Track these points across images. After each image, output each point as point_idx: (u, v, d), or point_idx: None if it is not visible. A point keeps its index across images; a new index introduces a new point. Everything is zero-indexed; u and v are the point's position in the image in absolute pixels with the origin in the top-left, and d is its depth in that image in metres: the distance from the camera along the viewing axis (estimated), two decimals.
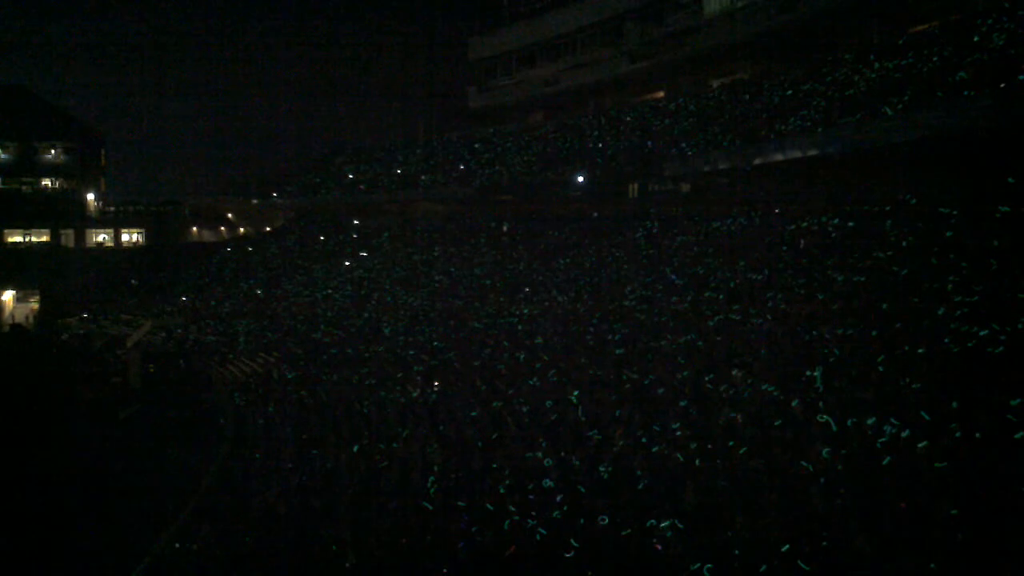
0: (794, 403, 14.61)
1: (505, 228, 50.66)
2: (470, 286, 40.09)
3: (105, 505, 23.07)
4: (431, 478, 16.74)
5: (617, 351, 22.67)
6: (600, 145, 48.70)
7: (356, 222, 65.13)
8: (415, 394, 25.16)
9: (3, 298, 67.13)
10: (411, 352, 31.35)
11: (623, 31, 54.71)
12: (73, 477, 24.54)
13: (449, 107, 77.79)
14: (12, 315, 66.39)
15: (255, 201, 77.87)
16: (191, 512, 21.15)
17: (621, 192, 46.08)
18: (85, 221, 78.01)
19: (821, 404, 14.04)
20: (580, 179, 45.19)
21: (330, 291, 49.59)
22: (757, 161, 34.19)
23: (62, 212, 76.80)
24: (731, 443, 13.93)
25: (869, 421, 12.72)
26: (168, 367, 38.12)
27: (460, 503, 14.53)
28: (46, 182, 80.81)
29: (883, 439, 11.96)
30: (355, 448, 21.37)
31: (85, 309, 63.91)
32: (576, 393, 19.85)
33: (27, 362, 45.42)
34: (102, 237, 79.14)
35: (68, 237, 76.31)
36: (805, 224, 29.29)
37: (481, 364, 26.46)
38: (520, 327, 29.84)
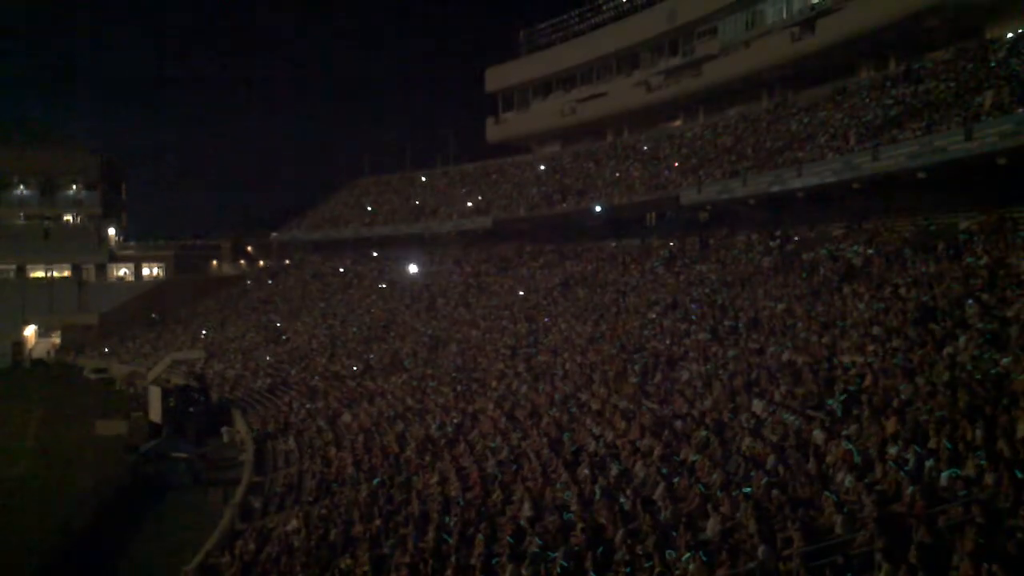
0: (816, 432, 14.49)
1: (523, 258, 50.70)
2: (489, 316, 40.08)
3: (126, 540, 23.14)
4: (451, 511, 16.69)
5: (636, 381, 22.59)
6: (617, 175, 48.77)
7: (375, 253, 65.37)
8: (435, 426, 25.14)
9: (26, 333, 67.70)
10: (431, 384, 31.37)
11: (639, 61, 55.01)
12: (96, 510, 24.63)
13: (467, 138, 78.43)
14: (34, 350, 66.98)
15: (274, 234, 78.44)
16: (213, 545, 21.16)
17: (639, 221, 46.10)
18: (107, 256, 78.71)
19: (843, 433, 13.92)
20: (598, 209, 45.20)
21: (349, 322, 49.73)
22: (775, 189, 34.12)
23: (84, 247, 77.58)
24: (752, 473, 13.82)
25: (892, 450, 12.59)
26: (188, 401, 38.25)
27: (480, 535, 14.46)
28: (68, 217, 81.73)
29: (906, 468, 11.84)
30: (375, 481, 21.35)
31: (106, 343, 64.42)
32: (595, 424, 19.80)
33: (49, 397, 45.86)
34: (123, 271, 79.80)
35: (90, 272, 77.00)
36: (824, 252, 29.16)
37: (500, 395, 26.42)
38: (540, 358, 29.80)
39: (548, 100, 63.18)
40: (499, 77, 67.10)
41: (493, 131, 67.92)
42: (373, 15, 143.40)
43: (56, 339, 68.17)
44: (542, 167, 59.31)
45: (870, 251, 26.94)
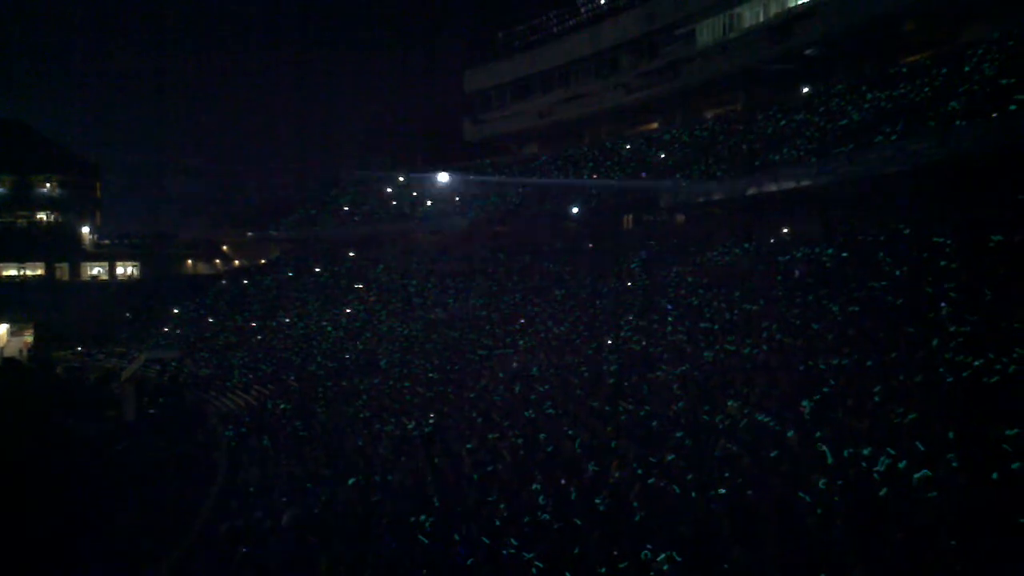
0: (790, 433, 14.56)
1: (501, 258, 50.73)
2: (465, 318, 40.05)
3: (99, 540, 22.89)
4: (427, 511, 16.63)
5: (612, 382, 22.62)
6: (595, 176, 48.89)
7: (352, 254, 65.18)
8: (411, 426, 25.06)
9: (1, 331, 66.98)
10: (407, 384, 31.29)
11: (617, 63, 55.16)
12: (66, 511, 24.36)
13: (444, 139, 78.18)
14: (6, 348, 66.22)
15: (250, 233, 77.95)
16: (186, 547, 20.99)
17: (616, 223, 46.24)
18: (80, 254, 78.04)
19: (817, 434, 13.98)
20: (575, 210, 45.30)
21: (325, 323, 49.54)
22: (751, 192, 34.33)
23: (57, 245, 76.84)
24: (727, 474, 13.86)
25: (865, 451, 12.67)
26: (162, 400, 37.95)
27: (456, 536, 14.42)
28: (41, 215, 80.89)
29: (879, 469, 11.90)
30: (350, 481, 21.25)
31: (80, 342, 63.82)
32: (572, 425, 19.79)
33: (21, 395, 45.30)
34: (97, 270, 79.10)
35: (63, 270, 76.33)
36: (800, 254, 29.36)
37: (476, 396, 26.39)
38: (516, 358, 29.80)
39: (526, 102, 63.23)
40: (477, 78, 67.10)
41: (471, 132, 67.92)
42: (351, 16, 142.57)
43: (29, 338, 67.43)
44: (520, 168, 59.32)
45: (845, 254, 27.14)
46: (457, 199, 58.99)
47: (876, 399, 14.83)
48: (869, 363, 16.96)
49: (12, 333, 68.07)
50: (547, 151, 60.86)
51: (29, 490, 26.34)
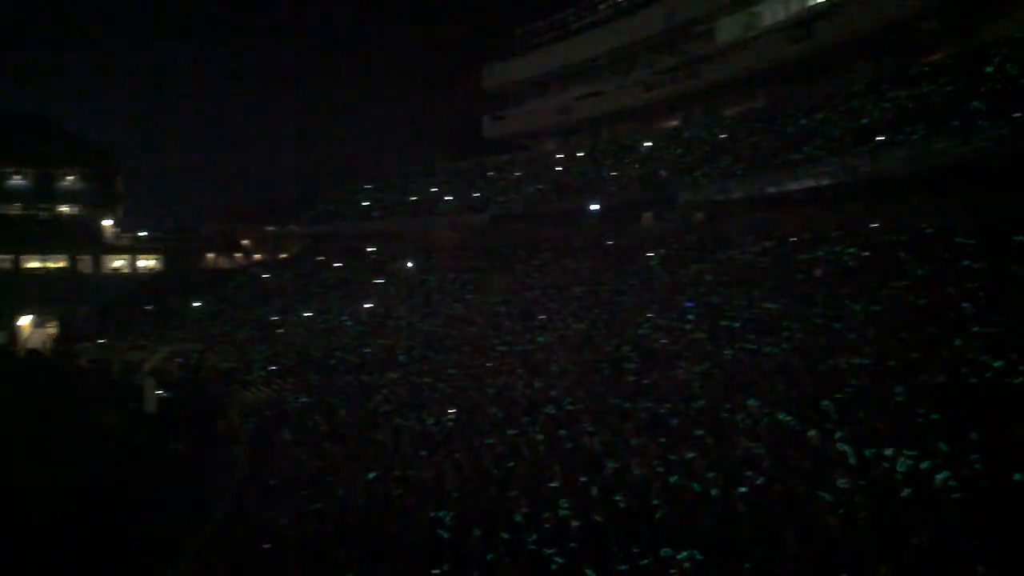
0: (811, 433, 14.56)
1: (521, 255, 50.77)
2: (485, 313, 40.13)
3: (118, 532, 23.10)
4: (446, 506, 16.71)
5: (632, 379, 22.65)
6: (614, 174, 48.85)
7: (371, 249, 65.36)
8: (431, 422, 25.16)
9: (21, 324, 67.56)
10: (426, 379, 31.39)
11: (636, 60, 55.06)
12: (87, 503, 24.59)
13: (463, 135, 78.26)
14: (29, 340, 66.84)
15: (270, 228, 78.27)
16: (205, 539, 21.16)
17: (635, 221, 46.19)
18: (102, 247, 78.60)
19: (838, 434, 13.98)
20: (594, 208, 45.26)
21: (345, 318, 49.72)
22: (771, 190, 34.24)
23: (79, 238, 77.47)
24: (748, 473, 13.88)
25: (887, 452, 12.67)
26: (183, 393, 38.17)
27: (475, 531, 14.50)
28: (64, 208, 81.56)
29: (902, 470, 11.91)
30: (370, 475, 21.35)
31: (101, 335, 64.31)
32: (592, 421, 19.84)
33: (44, 387, 45.73)
34: (119, 263, 79.66)
35: (85, 263, 76.87)
36: (821, 253, 29.27)
37: (496, 392, 26.47)
38: (536, 355, 29.85)
39: (545, 98, 63.21)
40: (496, 74, 67.09)
41: (490, 128, 67.91)
42: (371, 11, 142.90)
43: (52, 330, 68.00)
44: (539, 165, 59.35)
45: (866, 253, 27.05)
46: (476, 194, 59.01)
47: (898, 399, 14.81)
48: (891, 363, 16.93)
49: (35, 325, 68.66)
50: (566, 147, 60.80)
51: (52, 481, 26.63)
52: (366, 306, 50.72)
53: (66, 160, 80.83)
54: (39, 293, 69.12)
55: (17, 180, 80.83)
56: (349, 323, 48.13)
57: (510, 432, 21.46)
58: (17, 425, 30.49)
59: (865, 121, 33.39)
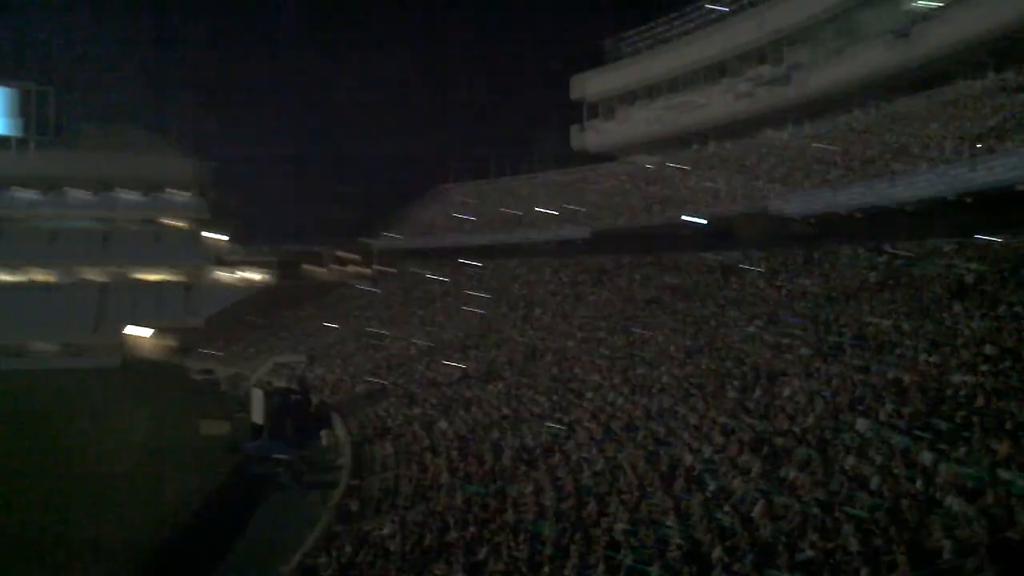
0: (923, 454, 14.06)
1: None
2: (585, 327, 39.93)
3: (227, 538, 23.75)
4: (546, 521, 16.71)
5: (735, 396, 22.25)
6: (713, 184, 48.14)
7: (473, 262, 65.82)
8: (530, 436, 25.20)
9: (138, 334, 70.29)
10: (527, 393, 31.43)
11: (728, 70, 54.36)
12: (196, 510, 25.34)
13: (550, 146, 77.92)
14: (144, 351, 69.49)
15: (372, 241, 79.81)
16: (310, 546, 21.60)
17: (736, 233, 45.39)
18: (214, 260, 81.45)
19: (952, 455, 13.47)
20: (702, 222, 44.60)
21: (444, 330, 50.20)
22: (880, 201, 33.20)
23: (192, 252, 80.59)
24: (856, 493, 13.48)
25: (1004, 474, 12.15)
26: (289, 404, 39.05)
27: (574, 547, 14.45)
28: (176, 223, 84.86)
29: (1018, 493, 11.41)
30: (470, 488, 21.50)
31: (212, 346, 66.55)
32: (694, 438, 19.58)
33: (158, 398, 47.48)
34: (232, 276, 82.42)
35: (200, 276, 79.67)
36: (934, 267, 28.26)
37: (596, 407, 26.33)
38: (637, 370, 29.55)
39: (634, 109, 62.84)
40: (584, 85, 67.06)
41: (578, 139, 67.80)
42: (458, 20, 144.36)
43: (167, 341, 70.53)
44: (633, 177, 58.94)
45: (983, 267, 25.99)
46: (574, 207, 58.73)
47: (1016, 419, 14.19)
48: (1009, 382, 16.23)
49: (151, 336, 71.33)
50: (658, 158, 60.13)
51: (161, 489, 27.54)
52: (466, 319, 51.10)
53: (179, 176, 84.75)
54: (152, 305, 72.05)
55: (133, 195, 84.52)
56: (448, 336, 48.56)
57: (610, 447, 21.34)
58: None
59: (977, 130, 32.16)
